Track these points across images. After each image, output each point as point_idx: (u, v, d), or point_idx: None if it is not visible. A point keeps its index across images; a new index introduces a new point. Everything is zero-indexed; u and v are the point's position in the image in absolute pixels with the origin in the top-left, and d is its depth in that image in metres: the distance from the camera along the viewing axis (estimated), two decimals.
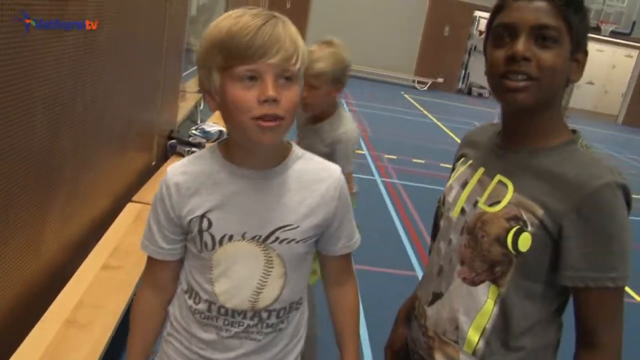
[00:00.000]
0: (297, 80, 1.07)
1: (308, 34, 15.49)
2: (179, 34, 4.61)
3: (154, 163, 4.25)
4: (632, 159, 11.02)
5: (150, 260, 1.25)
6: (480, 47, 16.77)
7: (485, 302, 1.17)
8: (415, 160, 7.52)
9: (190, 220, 1.14)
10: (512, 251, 1.11)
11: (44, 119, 1.98)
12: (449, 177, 1.37)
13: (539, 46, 1.08)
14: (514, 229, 1.11)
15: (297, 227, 1.14)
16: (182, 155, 4.51)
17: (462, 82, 17.05)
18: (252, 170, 1.14)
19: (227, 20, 1.04)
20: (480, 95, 16.78)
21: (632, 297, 4.23)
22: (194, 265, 1.20)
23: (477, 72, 17.34)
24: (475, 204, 1.20)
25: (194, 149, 4.54)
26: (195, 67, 4.36)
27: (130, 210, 3.29)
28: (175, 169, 1.18)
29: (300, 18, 15.33)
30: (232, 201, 1.13)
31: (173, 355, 1.25)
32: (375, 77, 15.45)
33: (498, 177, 1.18)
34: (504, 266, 1.13)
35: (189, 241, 1.19)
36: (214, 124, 5.37)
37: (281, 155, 1.16)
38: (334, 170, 1.21)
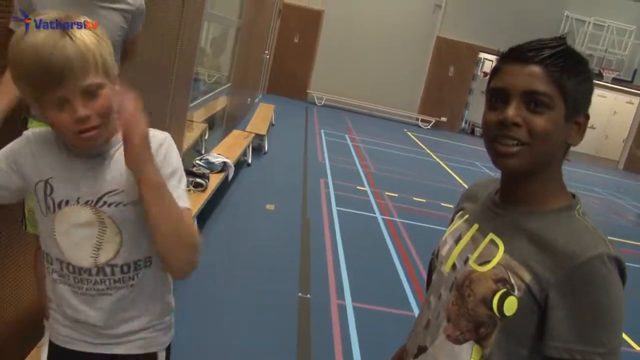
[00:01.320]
0: (103, 85, 1.16)
1: (315, 69, 15.67)
2: (189, 64, 4.67)
3: None
4: (634, 205, 11.02)
5: None
6: (484, 88, 16.86)
7: None
8: (416, 199, 7.52)
9: (36, 185, 1.28)
10: (497, 314, 1.09)
11: None
12: (446, 231, 1.36)
13: (530, 111, 1.07)
14: (501, 292, 1.08)
15: (122, 191, 1.26)
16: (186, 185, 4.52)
17: (465, 122, 17.17)
18: (82, 154, 1.26)
19: (20, 55, 1.11)
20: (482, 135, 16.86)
21: (631, 347, 4.20)
22: (43, 230, 1.32)
23: (480, 112, 17.45)
24: (466, 261, 1.18)
25: (197, 179, 4.56)
26: (203, 98, 4.41)
27: None
28: (29, 136, 1.31)
29: (308, 53, 15.54)
30: (67, 171, 1.27)
31: (54, 326, 1.39)
32: (380, 113, 15.55)
33: (490, 235, 1.17)
34: (489, 328, 1.11)
35: (35, 208, 1.32)
36: (219, 155, 5.41)
37: (109, 138, 1.27)
38: (158, 135, 1.32)
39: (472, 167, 10.89)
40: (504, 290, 1.08)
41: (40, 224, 1.33)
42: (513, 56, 1.12)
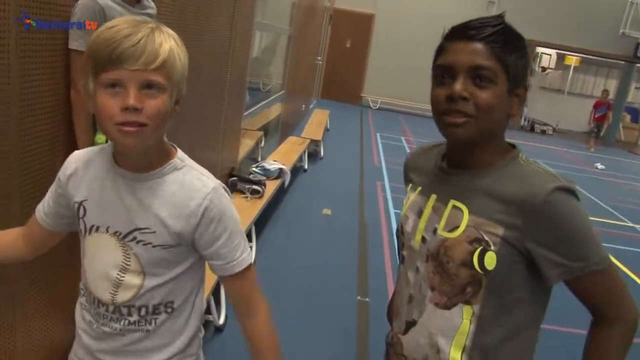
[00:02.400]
0: (163, 89, 1.09)
1: (368, 72, 15.63)
2: (241, 74, 4.74)
3: None
4: None
5: (35, 211, 1.36)
6: (543, 83, 16.26)
7: (461, 323, 1.21)
8: None
9: (74, 204, 1.25)
10: (480, 271, 1.16)
11: None
12: (403, 205, 1.40)
13: (476, 85, 1.14)
14: (478, 250, 1.15)
15: (154, 231, 1.18)
16: (242, 192, 4.59)
17: (524, 119, 16.74)
18: (127, 170, 1.19)
19: (102, 29, 1.10)
20: (543, 132, 16.42)
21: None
22: (81, 249, 1.28)
23: (539, 108, 17.01)
24: (435, 231, 1.24)
25: (254, 186, 4.61)
26: (257, 106, 4.47)
27: None
28: (79, 154, 1.29)
29: (360, 57, 15.52)
30: (104, 196, 1.21)
31: (76, 348, 1.35)
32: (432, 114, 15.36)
33: (452, 202, 1.23)
34: (475, 286, 1.18)
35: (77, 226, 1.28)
36: (275, 162, 5.46)
37: (158, 161, 1.20)
38: (205, 187, 1.20)
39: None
40: (481, 247, 1.15)
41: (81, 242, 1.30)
42: (457, 35, 1.18)
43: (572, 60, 16.40)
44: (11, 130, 1.76)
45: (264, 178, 4.97)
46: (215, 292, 3.17)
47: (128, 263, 1.21)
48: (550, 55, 16.36)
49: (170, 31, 1.13)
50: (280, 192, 5.52)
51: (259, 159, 6.02)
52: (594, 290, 1.17)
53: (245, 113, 5.25)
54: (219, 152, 4.37)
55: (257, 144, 6.31)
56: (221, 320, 3.24)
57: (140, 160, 1.19)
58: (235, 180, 4.69)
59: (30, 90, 1.83)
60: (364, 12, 15.33)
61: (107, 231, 1.21)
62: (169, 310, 1.26)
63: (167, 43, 1.09)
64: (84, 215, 1.23)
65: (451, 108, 1.15)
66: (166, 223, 1.18)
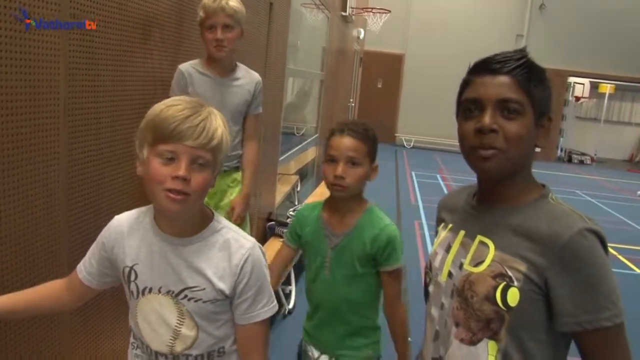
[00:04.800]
0: (209, 166, 1.25)
1: (400, 112, 15.72)
2: (276, 119, 4.84)
3: None
4: None
5: (77, 269, 1.46)
6: (578, 113, 16.01)
7: (487, 359, 1.20)
8: None
9: (123, 269, 1.36)
10: (503, 307, 1.15)
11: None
12: (433, 244, 1.43)
13: (504, 117, 1.17)
14: (501, 286, 1.16)
15: (203, 289, 1.31)
16: (280, 236, 4.62)
17: (561, 150, 16.51)
18: (170, 235, 1.32)
19: (162, 107, 1.25)
20: (581, 162, 16.14)
21: None
22: (131, 308, 1.40)
23: (575, 139, 16.76)
24: (461, 266, 1.25)
25: None
26: (292, 150, 4.57)
27: None
28: (120, 219, 1.41)
29: (392, 97, 15.65)
30: (152, 258, 1.33)
31: None
32: None
33: (479, 237, 1.24)
34: (498, 322, 1.17)
35: (123, 285, 1.40)
36: None
37: (199, 225, 1.33)
38: (243, 245, 1.34)
39: (572, 195, 10.40)
40: (504, 283, 1.16)
41: (128, 301, 1.41)
42: (482, 69, 1.21)
43: (606, 88, 16.19)
44: (60, 188, 1.84)
45: None
46: None
47: (182, 319, 1.33)
48: (584, 84, 16.20)
49: (222, 117, 1.29)
50: None
51: (296, 203, 6.07)
52: (597, 348, 1.13)
53: (281, 158, 5.33)
54: (256, 198, 4.44)
55: (294, 188, 6.36)
56: None
57: (183, 225, 1.32)
58: (274, 224, 4.73)
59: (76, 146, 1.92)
60: (394, 53, 15.52)
61: (160, 292, 1.33)
62: (221, 353, 1.40)
63: (220, 128, 1.26)
64: (136, 278, 1.35)
65: (481, 142, 1.17)
66: (212, 281, 1.30)
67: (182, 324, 1.33)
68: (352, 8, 9.70)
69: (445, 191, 9.51)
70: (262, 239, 4.63)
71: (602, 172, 14.41)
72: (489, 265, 1.19)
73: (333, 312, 1.91)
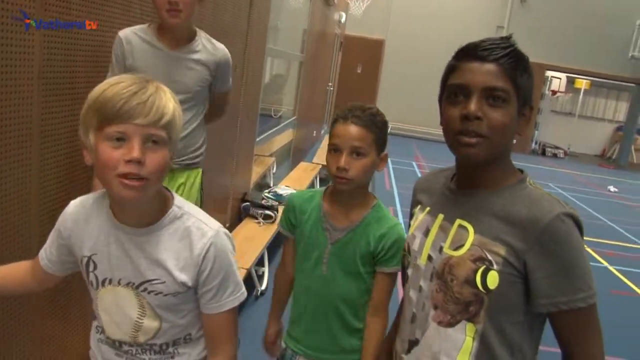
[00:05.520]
0: (165, 144, 1.14)
1: (379, 98, 15.73)
2: (254, 100, 4.80)
3: (227, 224, 4.36)
4: None
5: (39, 256, 1.40)
6: (553, 107, 16.20)
7: (464, 340, 1.22)
8: None
9: (81, 258, 1.28)
10: (482, 290, 1.17)
11: None
12: (409, 225, 1.43)
13: (489, 105, 1.17)
14: (481, 269, 1.17)
15: (164, 282, 1.23)
16: (255, 217, 4.61)
17: (535, 143, 16.72)
18: (127, 225, 1.23)
19: (105, 86, 1.14)
20: (554, 155, 16.38)
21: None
22: (93, 298, 1.33)
23: (550, 132, 16.98)
24: (441, 249, 1.26)
25: (267, 211, 4.64)
26: (269, 132, 4.52)
27: None
28: (76, 206, 1.31)
29: (371, 83, 15.62)
30: (110, 250, 1.25)
31: None
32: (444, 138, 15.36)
33: (458, 221, 1.25)
34: (477, 305, 1.19)
35: (82, 273, 1.32)
36: (287, 187, 5.49)
37: (157, 212, 1.24)
38: (205, 233, 1.25)
39: (545, 188, 10.46)
40: (484, 267, 1.17)
41: (89, 290, 1.34)
42: (469, 55, 1.21)
43: (582, 83, 16.41)
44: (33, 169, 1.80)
45: (276, 203, 5.00)
46: None
47: (144, 310, 1.27)
48: (560, 78, 16.38)
49: (170, 92, 1.19)
50: None
51: (271, 185, 6.05)
52: (571, 327, 1.17)
53: (258, 139, 5.30)
54: (232, 178, 4.41)
55: (269, 169, 6.34)
56: None
57: (139, 213, 1.22)
58: (248, 205, 4.72)
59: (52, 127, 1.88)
60: (375, 38, 15.47)
61: (120, 283, 1.26)
62: (188, 340, 1.35)
63: (172, 102, 1.16)
64: (95, 269, 1.27)
65: (466, 128, 1.17)
66: (173, 274, 1.23)
67: (143, 316, 1.27)
68: None
69: None
70: (237, 219, 4.61)
71: (574, 166, 14.64)
72: (468, 249, 1.20)
73: (328, 311, 1.75)
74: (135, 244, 1.23)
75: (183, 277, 1.23)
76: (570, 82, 16.53)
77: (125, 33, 2.10)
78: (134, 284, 1.25)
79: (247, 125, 4.61)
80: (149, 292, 1.25)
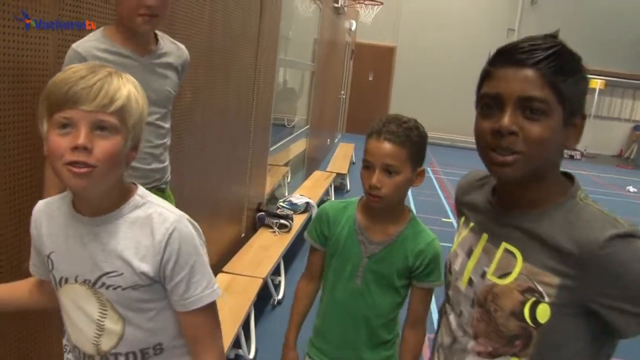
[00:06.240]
0: (116, 131, 1.07)
1: (391, 105, 15.72)
2: (266, 111, 4.82)
3: (243, 235, 4.37)
4: None
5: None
6: None
7: None
8: None
9: (44, 258, 1.22)
10: (531, 324, 1.05)
11: None
12: (454, 241, 1.30)
13: (526, 118, 1.02)
14: (530, 302, 1.04)
15: (121, 274, 1.14)
16: (270, 227, 4.61)
17: None
18: (86, 215, 1.16)
19: (59, 73, 1.09)
20: (571, 157, 16.23)
21: None
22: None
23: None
24: (483, 275, 1.13)
25: (282, 220, 4.64)
26: (283, 141, 4.52)
27: (220, 280, 3.37)
28: (40, 205, 1.26)
29: (383, 90, 15.64)
30: (68, 245, 1.17)
31: None
32: (461, 144, 15.30)
33: (504, 245, 1.12)
34: (524, 339, 1.06)
35: None
36: (301, 196, 5.49)
37: (117, 202, 1.16)
38: (165, 221, 1.15)
39: None
40: (533, 299, 1.04)
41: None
42: (505, 59, 1.05)
43: (597, 83, 16.26)
44: None
45: (291, 212, 5.00)
46: (245, 325, 3.18)
47: (105, 310, 1.17)
48: None
49: (131, 78, 1.13)
50: (308, 225, 5.51)
51: (286, 194, 6.06)
52: None
53: (271, 149, 5.31)
54: (246, 188, 4.42)
55: (284, 179, 6.35)
56: (251, 355, 3.23)
57: (96, 203, 1.15)
58: (263, 215, 4.73)
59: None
60: (386, 45, 15.49)
61: (76, 281, 1.17)
62: (158, 351, 1.23)
63: (125, 87, 1.09)
64: (52, 268, 1.20)
65: (498, 144, 1.04)
66: (132, 264, 1.14)
67: (104, 316, 1.17)
68: None
69: (437, 185, 9.56)
70: (252, 229, 4.62)
71: (591, 168, 14.49)
72: (515, 279, 1.07)
73: (359, 324, 1.72)
74: (93, 236, 1.15)
75: (143, 266, 1.14)
76: None
77: (84, 47, 1.76)
78: (90, 280, 1.15)
79: (260, 136, 4.62)
80: (107, 287, 1.15)
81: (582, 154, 16.41)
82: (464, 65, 15.35)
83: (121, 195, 1.17)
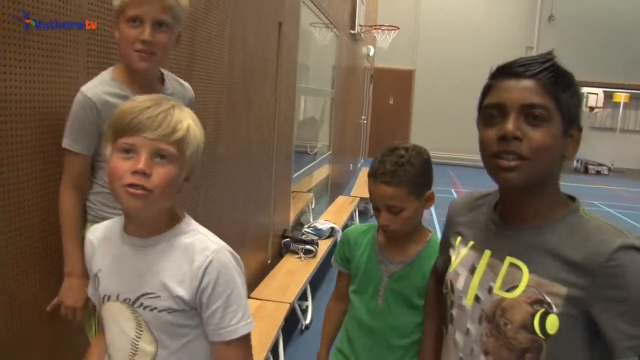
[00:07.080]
0: (174, 161, 1.15)
1: (413, 127, 15.74)
2: (288, 139, 4.90)
3: (269, 261, 4.42)
4: None
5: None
6: (593, 123, 15.78)
7: None
8: None
9: (94, 276, 1.29)
10: (542, 336, 1.07)
11: None
12: (452, 262, 1.31)
13: (529, 124, 1.08)
14: (540, 313, 1.07)
15: (159, 296, 1.18)
16: (296, 252, 4.66)
17: (577, 161, 16.38)
18: (134, 237, 1.22)
19: (126, 103, 1.18)
20: (598, 172, 16.01)
21: None
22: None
23: (591, 149, 16.63)
24: (490, 290, 1.15)
25: (307, 246, 4.68)
26: (306, 168, 4.54)
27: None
28: (93, 229, 1.35)
29: (404, 113, 15.69)
30: (114, 264, 1.24)
31: None
32: (479, 163, 15.14)
33: (509, 259, 1.14)
34: (535, 352, 1.08)
35: None
36: (326, 222, 5.53)
37: (165, 227, 1.22)
38: (209, 247, 1.20)
39: (591, 207, 10.25)
40: (543, 310, 1.06)
41: None
42: (505, 73, 1.13)
43: (621, 97, 16.09)
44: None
45: (317, 238, 5.04)
46: (274, 350, 3.20)
47: (140, 331, 1.21)
48: (597, 94, 16.11)
49: (191, 112, 1.21)
50: (334, 251, 5.53)
51: (311, 220, 6.10)
52: None
53: (295, 176, 5.38)
54: (271, 215, 4.48)
55: (308, 205, 6.40)
56: None
57: (147, 226, 1.21)
58: (289, 241, 4.77)
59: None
60: (405, 69, 15.59)
61: (118, 299, 1.22)
62: None
63: (186, 121, 1.17)
64: (99, 285, 1.26)
65: (504, 149, 1.08)
66: (169, 287, 1.18)
67: (139, 337, 1.21)
68: (360, 26, 9.79)
69: None
70: (278, 256, 4.67)
71: (620, 183, 14.27)
72: (524, 291, 1.09)
73: (380, 344, 1.74)
74: (140, 257, 1.21)
75: (180, 291, 1.17)
76: (609, 96, 16.22)
77: (94, 93, 1.68)
78: (130, 300, 1.20)
79: (282, 164, 4.69)
80: (144, 308, 1.19)
81: (609, 170, 16.18)
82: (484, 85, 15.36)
83: (170, 221, 1.23)
